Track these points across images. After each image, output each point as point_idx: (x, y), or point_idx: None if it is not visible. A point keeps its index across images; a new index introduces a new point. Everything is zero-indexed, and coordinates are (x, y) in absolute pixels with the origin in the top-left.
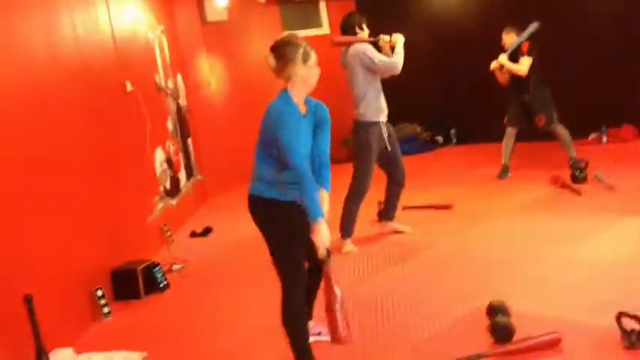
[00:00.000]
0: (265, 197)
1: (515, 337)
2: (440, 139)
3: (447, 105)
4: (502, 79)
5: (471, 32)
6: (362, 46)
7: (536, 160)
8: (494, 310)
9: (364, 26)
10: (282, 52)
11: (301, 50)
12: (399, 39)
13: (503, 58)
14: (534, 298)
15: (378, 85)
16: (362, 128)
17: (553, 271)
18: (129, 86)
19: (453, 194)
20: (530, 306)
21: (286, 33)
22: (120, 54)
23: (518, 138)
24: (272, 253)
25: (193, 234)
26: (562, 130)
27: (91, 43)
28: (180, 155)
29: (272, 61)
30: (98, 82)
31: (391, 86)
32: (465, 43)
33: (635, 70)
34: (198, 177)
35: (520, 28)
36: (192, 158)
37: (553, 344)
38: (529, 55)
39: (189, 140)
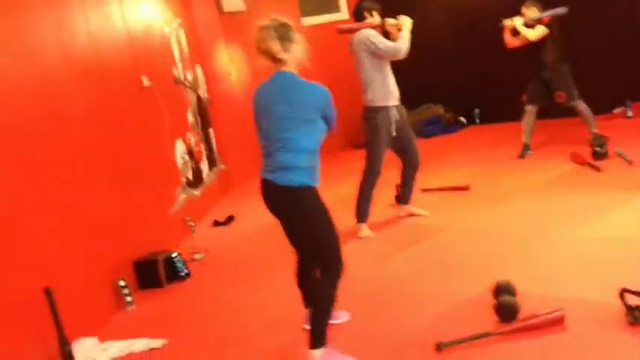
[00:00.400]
0: (309, 185)
1: (522, 316)
2: (463, 119)
3: (471, 85)
4: (509, 40)
5: (492, 11)
6: (366, 32)
7: (557, 137)
8: (500, 290)
9: (374, 12)
10: (283, 33)
11: (294, 29)
12: (405, 22)
13: (518, 22)
14: (544, 276)
15: (386, 70)
16: (371, 114)
17: (566, 249)
18: (145, 81)
19: (473, 174)
20: (539, 284)
21: (272, 17)
22: (135, 50)
23: (540, 115)
24: (317, 241)
25: (216, 223)
26: (582, 106)
27: (105, 40)
28: (202, 146)
29: (274, 43)
30: (114, 79)
31: (414, 68)
32: (486, 22)
33: None
34: (222, 167)
35: (542, 5)
36: (215, 148)
37: (557, 322)
38: (547, 27)
39: (211, 131)
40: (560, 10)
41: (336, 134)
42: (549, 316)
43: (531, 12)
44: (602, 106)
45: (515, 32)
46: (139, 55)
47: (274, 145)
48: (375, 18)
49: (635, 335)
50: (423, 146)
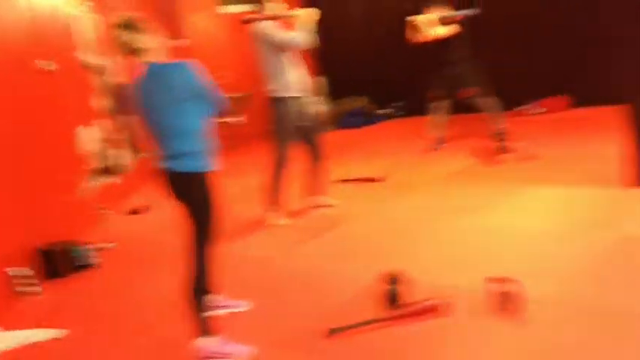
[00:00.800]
0: (205, 169)
1: (412, 303)
2: (387, 111)
3: (396, 78)
4: (411, 35)
5: (418, 6)
6: (263, 24)
7: (466, 131)
8: (388, 278)
9: (273, 1)
10: (134, 26)
11: (143, 20)
12: (307, 14)
13: (420, 18)
14: (439, 265)
15: (288, 61)
16: (273, 104)
17: (460, 239)
18: (46, 65)
19: (388, 166)
20: (432, 273)
21: (120, 14)
22: (37, 33)
23: (451, 110)
24: (201, 226)
25: (131, 211)
26: (488, 103)
27: (4, 23)
28: (121, 133)
29: (128, 36)
30: (8, 64)
31: (341, 60)
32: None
33: (566, 42)
34: (143, 154)
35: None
36: (135, 135)
37: (435, 309)
38: (456, 26)
39: (131, 117)
40: (472, 11)
41: (257, 124)
42: (428, 303)
43: (438, 11)
44: (510, 102)
45: (419, 28)
46: (41, 39)
47: (165, 133)
48: (272, 5)
49: (507, 320)
50: (345, 137)
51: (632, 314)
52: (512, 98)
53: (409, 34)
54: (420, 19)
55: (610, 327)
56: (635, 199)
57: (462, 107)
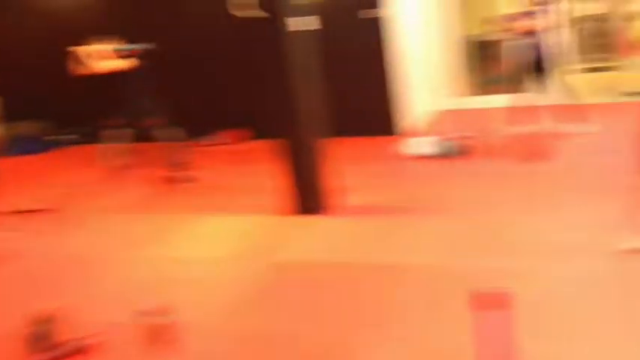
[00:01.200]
0: None
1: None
2: (69, 137)
3: (82, 103)
4: (73, 67)
5: (86, 27)
6: None
7: (151, 160)
8: (37, 319)
9: None
10: None
11: None
12: None
13: (84, 49)
14: (100, 299)
15: None
16: None
17: (130, 271)
18: None
19: (64, 195)
20: (92, 308)
21: None
22: None
23: (138, 139)
24: None
25: None
26: (169, 133)
27: None
28: None
29: None
30: None
31: (18, 79)
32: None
33: (249, 76)
34: None
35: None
36: None
37: (85, 348)
38: (126, 59)
39: None
40: (147, 45)
41: None
42: (81, 343)
43: (110, 44)
44: (193, 133)
45: (82, 60)
46: None
47: None
48: None
49: (160, 352)
50: (19, 165)
51: (288, 339)
52: (195, 129)
53: (71, 66)
54: (83, 50)
55: (261, 352)
56: (290, 227)
57: (143, 137)
